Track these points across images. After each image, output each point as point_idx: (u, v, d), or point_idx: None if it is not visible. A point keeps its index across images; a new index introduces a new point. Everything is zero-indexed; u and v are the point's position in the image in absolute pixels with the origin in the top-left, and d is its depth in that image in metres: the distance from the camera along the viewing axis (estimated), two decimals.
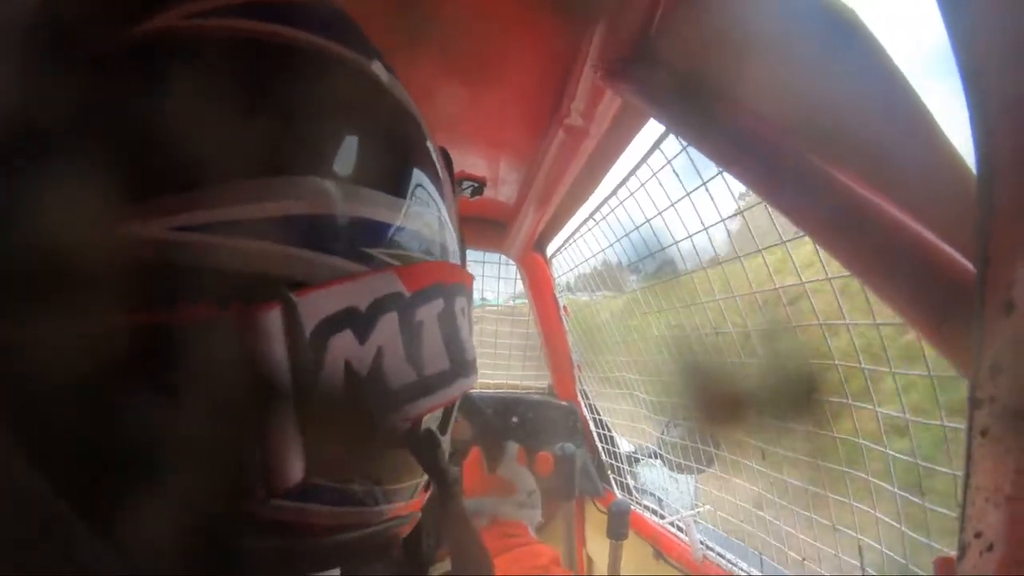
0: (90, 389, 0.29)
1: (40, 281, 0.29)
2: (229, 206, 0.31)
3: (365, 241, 0.36)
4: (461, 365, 0.42)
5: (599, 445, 1.92)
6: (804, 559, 1.07)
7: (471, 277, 0.46)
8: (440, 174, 0.44)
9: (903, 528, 0.81)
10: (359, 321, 0.35)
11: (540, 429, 1.89)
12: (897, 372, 0.80)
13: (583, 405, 1.99)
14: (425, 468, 0.42)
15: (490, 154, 1.31)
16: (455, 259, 0.45)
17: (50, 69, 0.31)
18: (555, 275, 1.97)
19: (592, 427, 1.95)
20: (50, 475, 0.28)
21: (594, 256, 1.71)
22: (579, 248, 1.78)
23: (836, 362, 0.90)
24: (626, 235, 1.44)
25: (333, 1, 0.41)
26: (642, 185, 1.20)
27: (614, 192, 1.36)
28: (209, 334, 0.31)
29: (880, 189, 0.54)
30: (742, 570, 1.27)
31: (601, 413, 1.96)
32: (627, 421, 1.83)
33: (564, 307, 1.99)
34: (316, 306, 0.33)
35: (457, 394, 0.41)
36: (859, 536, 0.93)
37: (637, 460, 1.85)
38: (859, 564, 0.92)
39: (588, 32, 0.77)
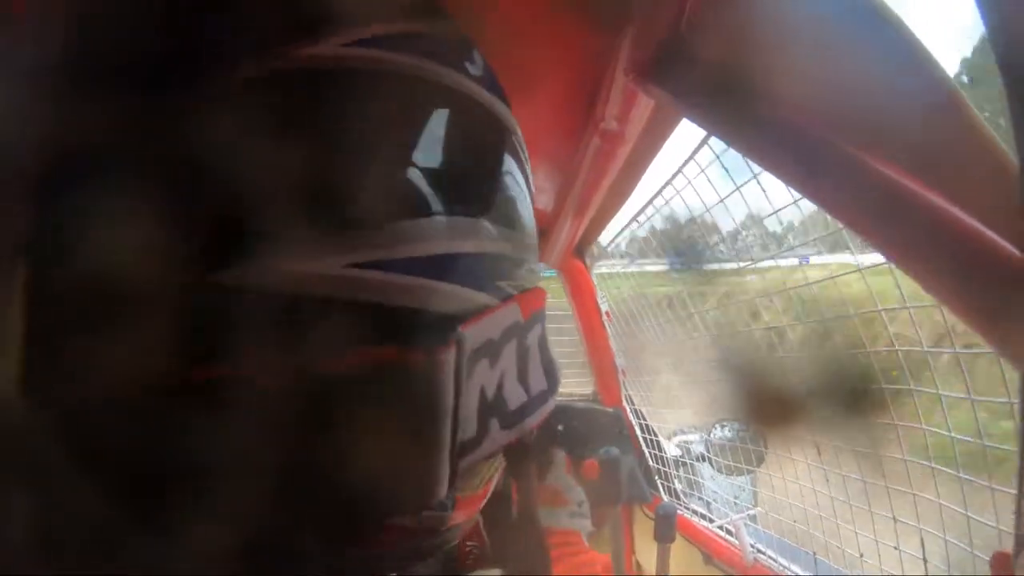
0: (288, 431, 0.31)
1: (212, 321, 0.30)
2: (399, 244, 0.32)
3: (497, 275, 0.38)
4: (554, 383, 0.44)
5: (645, 450, 1.91)
6: (862, 555, 1.05)
7: (548, 298, 0.47)
8: (532, 194, 0.46)
9: (968, 513, 0.79)
10: (492, 350, 0.37)
11: (586, 436, 1.89)
12: (961, 352, 0.78)
13: (628, 410, 1.98)
14: (514, 474, 0.45)
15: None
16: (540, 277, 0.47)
17: (210, 93, 0.30)
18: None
19: (638, 432, 1.94)
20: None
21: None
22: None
23: (896, 346, 0.88)
24: (671, 236, 1.45)
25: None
26: (689, 183, 1.20)
27: (659, 192, 1.36)
28: (394, 372, 0.32)
29: (921, 178, 0.54)
30: (796, 572, 1.25)
31: (647, 418, 1.95)
32: (673, 424, 1.82)
33: (606, 312, 1.98)
34: (472, 340, 0.35)
35: (550, 409, 0.44)
36: (920, 526, 0.91)
37: (684, 464, 1.83)
38: (921, 556, 0.90)
39: (618, 36, 0.77)
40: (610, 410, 1.99)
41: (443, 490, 0.34)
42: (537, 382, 0.42)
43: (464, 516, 0.42)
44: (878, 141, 0.56)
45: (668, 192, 1.32)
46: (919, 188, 0.53)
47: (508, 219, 0.39)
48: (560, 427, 1.89)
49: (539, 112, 1.07)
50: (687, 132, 1.06)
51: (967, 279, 0.52)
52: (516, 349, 0.39)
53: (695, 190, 1.20)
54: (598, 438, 1.87)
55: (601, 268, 1.99)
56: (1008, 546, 0.42)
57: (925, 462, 0.88)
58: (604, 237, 1.88)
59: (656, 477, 1.87)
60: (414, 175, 0.34)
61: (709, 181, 1.14)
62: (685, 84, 0.74)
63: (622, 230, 1.73)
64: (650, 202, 1.44)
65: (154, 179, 0.29)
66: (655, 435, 1.91)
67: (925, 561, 0.89)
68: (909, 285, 0.80)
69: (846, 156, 0.58)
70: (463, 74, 0.38)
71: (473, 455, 0.36)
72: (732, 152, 1.00)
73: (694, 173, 1.16)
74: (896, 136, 0.55)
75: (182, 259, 0.29)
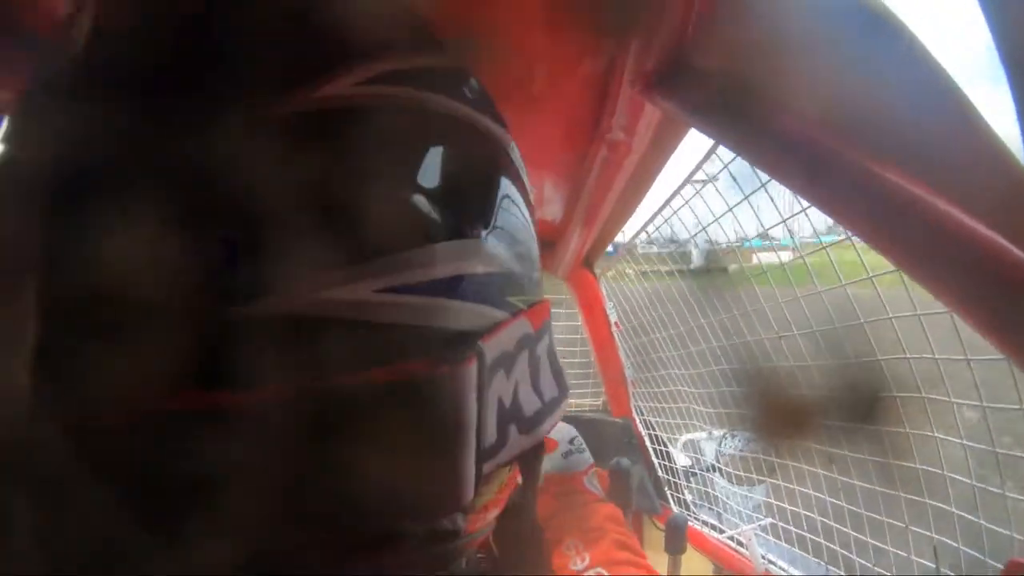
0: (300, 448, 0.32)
1: (243, 347, 0.31)
2: (417, 268, 0.34)
3: (506, 290, 0.41)
4: (564, 389, 0.47)
5: (655, 461, 1.90)
6: (875, 564, 1.05)
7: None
8: (534, 210, 0.49)
9: (981, 521, 0.79)
10: (508, 362, 0.40)
11: (595, 447, 1.88)
12: (973, 359, 0.78)
13: (638, 421, 1.97)
14: (528, 478, 0.47)
15: (535, 175, 1.31)
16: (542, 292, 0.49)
17: (226, 129, 0.32)
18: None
19: (648, 443, 1.93)
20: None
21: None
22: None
23: (907, 355, 0.88)
24: (682, 243, 1.45)
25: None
26: (697, 192, 1.21)
27: (667, 203, 1.36)
28: (421, 386, 0.34)
29: (928, 185, 0.54)
30: None
31: (656, 428, 1.94)
32: (683, 435, 1.81)
33: (615, 323, 1.98)
34: (490, 353, 0.37)
35: (562, 414, 0.46)
36: (934, 535, 0.90)
37: (694, 475, 1.82)
38: (935, 566, 0.89)
39: (624, 47, 0.78)
40: (619, 420, 1.98)
41: (470, 494, 0.36)
42: (549, 389, 0.44)
43: (481, 523, 0.44)
44: (885, 148, 0.56)
45: (676, 202, 1.32)
46: (927, 194, 0.53)
47: (510, 236, 0.42)
48: None
49: (546, 124, 1.08)
50: (696, 142, 1.06)
51: (976, 286, 0.52)
52: (528, 359, 0.42)
53: (703, 200, 1.20)
54: (607, 449, 1.87)
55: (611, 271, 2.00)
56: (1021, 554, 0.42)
57: (938, 470, 0.87)
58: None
59: (666, 488, 1.87)
60: (425, 203, 0.36)
61: (718, 191, 1.14)
62: (691, 95, 0.74)
63: (633, 237, 1.73)
64: (658, 212, 1.44)
65: (178, 208, 0.30)
66: (665, 445, 1.90)
67: (938, 569, 0.88)
68: (920, 291, 0.79)
69: (853, 164, 0.58)
70: (460, 101, 0.40)
71: (495, 460, 0.38)
72: (740, 162, 1.00)
73: (702, 183, 1.16)
74: (903, 143, 0.55)
75: (206, 287, 0.30)
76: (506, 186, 0.43)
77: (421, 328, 0.35)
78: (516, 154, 0.47)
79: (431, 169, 0.37)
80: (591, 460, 1.24)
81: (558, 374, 0.46)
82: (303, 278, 0.31)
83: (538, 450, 0.47)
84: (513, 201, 0.44)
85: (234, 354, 0.30)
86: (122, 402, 0.29)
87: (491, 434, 0.38)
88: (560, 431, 1.26)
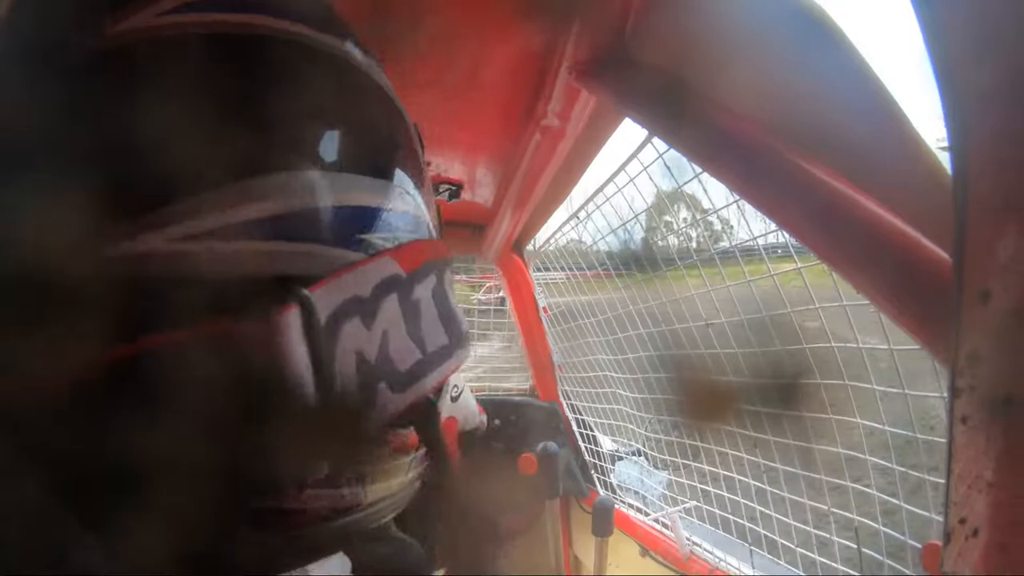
0: (95, 409, 0.29)
1: (32, 306, 0.28)
2: (226, 210, 0.31)
3: (358, 228, 0.36)
4: (458, 338, 0.42)
5: (582, 445, 1.93)
6: (797, 546, 1.08)
7: (451, 251, 0.45)
8: (417, 148, 0.44)
9: (903, 504, 0.82)
10: (364, 308, 0.35)
11: (523, 430, 1.90)
12: (896, 348, 0.81)
13: (565, 405, 1.99)
14: (425, 441, 0.42)
15: (466, 157, 1.31)
16: (436, 235, 0.44)
17: (24, 80, 0.30)
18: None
19: (575, 427, 1.95)
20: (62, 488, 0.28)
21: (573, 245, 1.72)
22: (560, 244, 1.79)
23: (832, 344, 0.91)
24: (612, 231, 1.46)
25: None
26: (631, 180, 1.21)
27: (599, 190, 1.37)
28: (229, 345, 0.30)
29: (857, 184, 0.55)
30: (730, 565, 1.28)
31: (583, 413, 1.97)
32: (609, 420, 1.84)
33: (544, 308, 1.99)
34: (327, 300, 0.33)
35: (456, 366, 0.42)
36: (856, 517, 0.94)
37: (620, 458, 1.86)
38: (856, 546, 0.93)
39: (562, 33, 0.77)
40: (547, 405, 2.00)
41: (316, 433, 0.33)
42: (434, 337, 0.39)
43: (390, 491, 0.41)
44: (817, 147, 0.57)
45: (609, 190, 1.33)
46: (856, 194, 0.54)
47: (376, 170, 0.38)
48: (496, 421, 1.89)
49: (481, 107, 1.07)
50: (631, 131, 1.07)
51: (899, 282, 0.53)
52: (399, 305, 0.37)
53: (636, 188, 1.21)
54: (535, 433, 1.88)
55: (539, 278, 2.00)
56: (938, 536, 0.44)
57: (860, 455, 0.91)
58: (542, 236, 1.88)
59: (592, 471, 1.89)
60: (235, 138, 0.32)
61: (651, 179, 1.15)
62: (628, 85, 0.74)
63: (561, 226, 1.74)
64: (590, 199, 1.45)
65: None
66: (591, 430, 1.93)
67: (860, 551, 0.92)
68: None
69: (785, 161, 0.59)
70: (280, 18, 0.35)
71: (365, 419, 0.35)
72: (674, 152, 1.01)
73: (636, 171, 1.16)
74: (835, 143, 0.56)
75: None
76: (351, 108, 0.39)
77: (233, 279, 0.31)
78: (376, 72, 0.41)
79: (246, 101, 0.33)
80: (478, 417, 1.25)
81: (449, 320, 0.41)
82: (91, 235, 0.28)
83: (428, 411, 0.41)
84: (366, 126, 0.39)
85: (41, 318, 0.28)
86: None
87: (350, 390, 0.33)
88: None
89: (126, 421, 0.29)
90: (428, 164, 0.42)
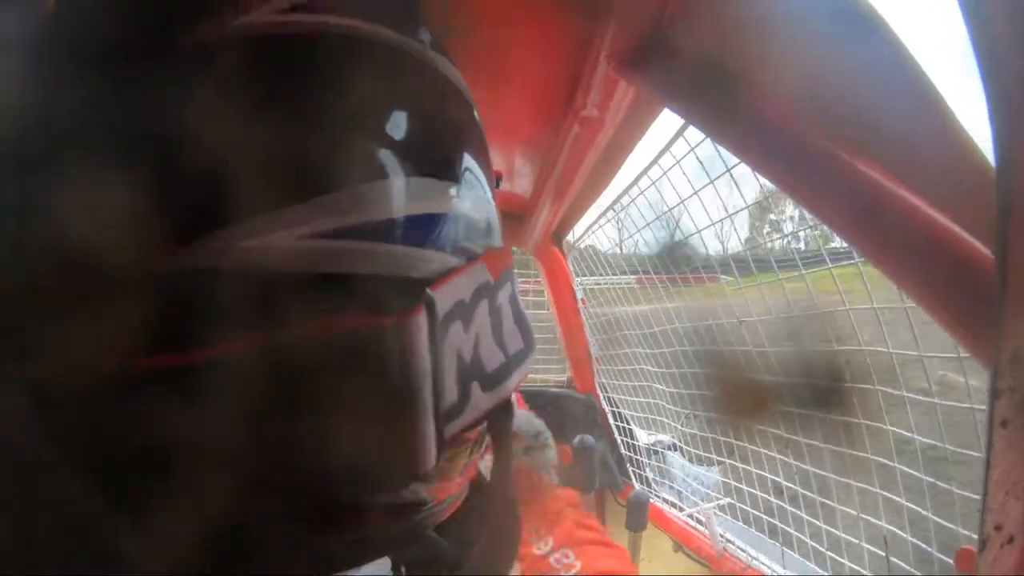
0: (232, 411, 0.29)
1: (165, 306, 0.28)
2: (356, 210, 0.31)
3: (460, 235, 0.37)
4: (530, 341, 0.43)
5: (618, 438, 1.92)
6: (827, 549, 1.07)
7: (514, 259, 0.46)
8: (487, 150, 0.45)
9: (930, 515, 0.81)
10: (465, 311, 0.36)
11: (560, 423, 1.90)
12: (926, 356, 0.79)
13: (602, 398, 1.99)
14: (498, 441, 0.43)
15: (506, 147, 1.31)
16: (502, 239, 0.46)
17: (155, 66, 0.30)
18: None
19: (611, 420, 1.95)
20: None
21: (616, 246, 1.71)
22: (599, 238, 1.78)
23: (863, 347, 0.89)
24: (647, 225, 1.45)
25: None
26: (664, 174, 1.20)
27: (635, 182, 1.36)
28: (365, 341, 0.31)
29: (900, 179, 0.54)
30: (763, 563, 1.26)
31: (620, 406, 1.96)
32: (646, 413, 1.83)
33: (582, 299, 1.98)
34: (442, 302, 0.34)
35: (530, 368, 0.43)
36: (884, 524, 0.92)
37: (656, 453, 1.85)
38: (884, 554, 0.91)
39: (600, 23, 0.76)
40: (583, 397, 1.99)
41: (431, 459, 0.33)
42: (513, 342, 0.41)
43: (447, 493, 0.41)
44: (860, 141, 0.56)
45: (644, 183, 1.31)
46: (899, 189, 0.53)
47: (466, 180, 0.39)
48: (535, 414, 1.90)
49: (520, 98, 1.07)
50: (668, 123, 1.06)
51: (942, 280, 0.52)
52: (488, 309, 0.38)
53: (670, 182, 1.20)
54: (571, 425, 1.88)
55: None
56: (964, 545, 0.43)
57: (890, 462, 0.89)
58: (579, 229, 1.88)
59: (628, 465, 1.89)
60: (366, 139, 0.33)
61: (684, 173, 1.14)
62: (667, 74, 0.73)
63: (598, 218, 1.73)
64: (625, 192, 1.44)
65: (106, 156, 0.28)
66: (628, 423, 1.92)
67: (888, 560, 0.90)
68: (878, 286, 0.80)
69: (828, 154, 0.58)
70: (412, 38, 0.37)
71: (458, 421, 0.35)
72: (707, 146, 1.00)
73: (669, 164, 1.15)
74: (878, 137, 0.55)
75: (139, 241, 0.28)
76: (464, 128, 0.40)
77: (362, 277, 0.32)
78: (471, 100, 0.43)
79: (368, 104, 0.34)
80: (553, 458, 1.23)
81: (522, 326, 0.42)
82: (228, 227, 0.28)
83: (507, 410, 0.42)
84: (465, 144, 0.40)
85: (165, 313, 0.28)
86: (61, 367, 0.28)
87: (451, 393, 0.34)
88: (527, 424, 1.25)
89: (223, 409, 0.29)
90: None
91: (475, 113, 0.43)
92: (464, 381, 0.35)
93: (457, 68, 0.41)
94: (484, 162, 0.42)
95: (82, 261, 0.27)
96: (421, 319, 0.32)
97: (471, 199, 0.39)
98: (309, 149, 0.31)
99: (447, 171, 0.37)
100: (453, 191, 0.37)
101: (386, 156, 0.33)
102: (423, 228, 0.34)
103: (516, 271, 0.43)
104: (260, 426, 0.30)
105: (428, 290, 0.33)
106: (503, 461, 0.45)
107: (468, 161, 0.40)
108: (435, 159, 0.36)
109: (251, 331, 0.29)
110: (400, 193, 0.33)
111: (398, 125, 0.35)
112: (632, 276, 1.72)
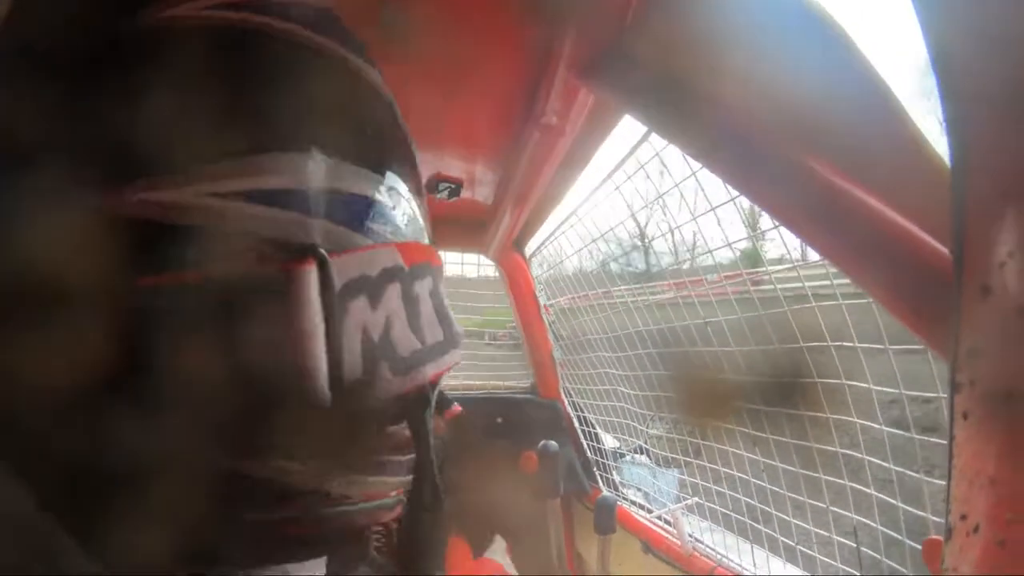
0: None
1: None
2: (246, 177, 0.33)
3: (370, 217, 0.38)
4: (452, 337, 0.44)
5: (584, 442, 1.93)
6: (797, 544, 1.08)
7: (443, 263, 0.47)
8: (416, 162, 0.47)
9: (900, 504, 0.82)
10: (371, 289, 0.36)
11: (525, 428, 1.90)
12: (893, 348, 0.81)
13: (566, 403, 1.99)
14: (415, 433, 0.42)
15: (466, 155, 1.31)
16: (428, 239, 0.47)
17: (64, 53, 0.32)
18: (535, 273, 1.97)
19: (576, 424, 1.95)
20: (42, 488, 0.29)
21: (576, 252, 1.72)
22: (561, 245, 1.79)
23: (830, 343, 0.91)
24: (611, 229, 1.46)
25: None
26: (629, 178, 1.21)
27: (598, 188, 1.37)
28: (247, 288, 0.32)
29: (857, 180, 0.55)
30: (732, 561, 1.28)
31: (584, 410, 1.97)
32: (611, 417, 1.84)
33: (544, 306, 1.99)
34: (341, 269, 0.34)
35: (451, 363, 0.43)
36: (854, 516, 0.94)
37: (622, 456, 1.86)
38: (855, 544, 0.93)
39: (561, 31, 0.77)
40: (547, 402, 2.00)
41: (325, 397, 0.33)
42: (432, 333, 0.41)
43: (382, 495, 0.41)
44: (816, 143, 0.57)
45: (608, 187, 1.33)
46: (855, 189, 0.54)
47: (380, 167, 0.40)
48: (499, 419, 1.89)
49: (480, 105, 1.07)
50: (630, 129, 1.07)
51: (900, 278, 0.53)
52: (400, 294, 0.39)
53: (634, 186, 1.21)
54: (536, 431, 1.88)
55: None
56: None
57: (858, 454, 0.91)
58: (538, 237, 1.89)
59: (595, 469, 1.89)
60: (275, 113, 0.35)
61: (648, 177, 1.15)
62: (627, 82, 0.74)
63: (559, 226, 1.74)
64: (587, 199, 1.45)
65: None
66: (593, 427, 1.93)
67: (859, 549, 0.92)
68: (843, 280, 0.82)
69: (785, 157, 0.59)
70: (323, 35, 0.39)
71: (365, 396, 0.36)
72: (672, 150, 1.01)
73: (641, 161, 1.16)
74: (834, 139, 0.56)
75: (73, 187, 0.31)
76: (377, 124, 0.42)
77: (261, 238, 0.33)
78: (390, 96, 0.45)
79: (280, 87, 0.36)
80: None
81: (444, 320, 0.43)
82: (143, 179, 0.31)
83: (424, 402, 0.42)
84: (385, 139, 0.43)
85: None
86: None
87: (354, 364, 0.35)
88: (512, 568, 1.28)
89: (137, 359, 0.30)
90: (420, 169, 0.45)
91: (396, 112, 0.45)
92: (370, 359, 0.36)
93: (379, 72, 0.44)
94: (405, 159, 0.44)
95: None
96: (311, 273, 0.33)
97: (386, 188, 0.40)
98: (216, 119, 0.33)
99: (363, 158, 0.39)
100: (366, 175, 0.39)
101: (294, 131, 0.35)
102: (335, 205, 0.36)
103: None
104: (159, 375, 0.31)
105: (321, 250, 0.34)
106: (422, 456, 0.44)
107: (389, 155, 0.42)
108: (355, 146, 0.38)
109: (141, 274, 0.31)
110: (305, 166, 0.35)
111: (316, 108, 0.37)
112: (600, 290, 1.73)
